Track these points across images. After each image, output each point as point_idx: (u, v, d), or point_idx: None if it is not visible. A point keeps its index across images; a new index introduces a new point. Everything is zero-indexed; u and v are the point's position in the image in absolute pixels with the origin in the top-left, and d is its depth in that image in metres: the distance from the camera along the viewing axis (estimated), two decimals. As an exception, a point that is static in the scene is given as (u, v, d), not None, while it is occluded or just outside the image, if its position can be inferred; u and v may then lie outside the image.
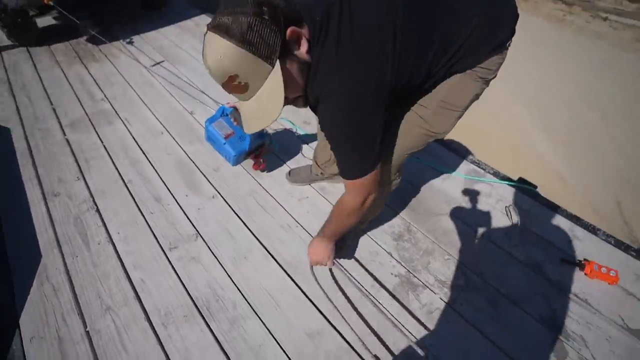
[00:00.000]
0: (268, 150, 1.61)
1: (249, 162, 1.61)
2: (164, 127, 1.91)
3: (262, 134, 1.48)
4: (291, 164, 1.71)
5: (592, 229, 1.45)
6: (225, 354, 1.06)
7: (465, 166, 1.74)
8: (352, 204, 0.89)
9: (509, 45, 0.84)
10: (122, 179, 1.60)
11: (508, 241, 1.41)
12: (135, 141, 1.80)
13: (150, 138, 1.83)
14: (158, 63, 2.46)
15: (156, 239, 1.36)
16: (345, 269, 1.26)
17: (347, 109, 0.73)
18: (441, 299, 1.23)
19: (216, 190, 1.57)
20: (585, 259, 1.33)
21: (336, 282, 1.24)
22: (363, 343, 1.09)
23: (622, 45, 5.99)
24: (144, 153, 1.73)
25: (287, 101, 0.73)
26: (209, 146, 1.73)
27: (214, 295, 1.20)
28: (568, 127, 4.23)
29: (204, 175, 1.63)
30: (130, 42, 2.72)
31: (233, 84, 0.67)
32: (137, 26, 2.97)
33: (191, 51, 2.65)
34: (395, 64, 0.73)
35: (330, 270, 1.25)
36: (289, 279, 1.26)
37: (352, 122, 0.75)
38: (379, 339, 1.11)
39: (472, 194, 1.60)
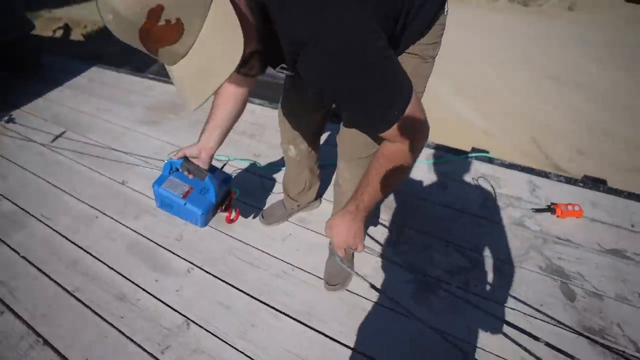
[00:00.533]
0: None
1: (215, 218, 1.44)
2: (95, 209, 1.61)
3: (225, 178, 1.21)
4: (259, 204, 1.58)
5: (545, 174, 1.63)
6: None
7: (423, 152, 1.81)
8: (406, 147, 0.68)
9: (447, 11, 0.80)
10: (64, 290, 1.29)
11: (487, 209, 1.50)
12: (65, 237, 1.48)
13: (83, 227, 1.52)
14: (59, 136, 2.08)
15: (140, 346, 1.12)
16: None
17: (354, 41, 0.54)
18: (457, 286, 1.24)
19: (188, 262, 1.36)
20: (552, 203, 1.48)
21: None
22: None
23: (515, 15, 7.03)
24: (81, 248, 1.43)
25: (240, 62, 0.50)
26: (162, 213, 1.51)
27: (234, 384, 1.04)
28: (479, 88, 4.80)
29: (168, 250, 1.41)
30: (11, 120, 2.25)
31: (157, 26, 0.45)
32: (13, 98, 2.47)
33: (95, 112, 2.31)
34: None
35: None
36: (309, 328, 1.15)
37: (365, 55, 0.56)
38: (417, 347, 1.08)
39: (440, 177, 1.67)
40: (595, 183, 1.59)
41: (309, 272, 1.30)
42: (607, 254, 1.33)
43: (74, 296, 1.27)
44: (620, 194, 1.54)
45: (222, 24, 0.47)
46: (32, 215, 1.59)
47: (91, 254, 1.41)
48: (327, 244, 1.37)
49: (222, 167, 1.19)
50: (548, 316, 1.15)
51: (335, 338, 1.12)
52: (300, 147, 1.24)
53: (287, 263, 1.34)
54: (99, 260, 1.39)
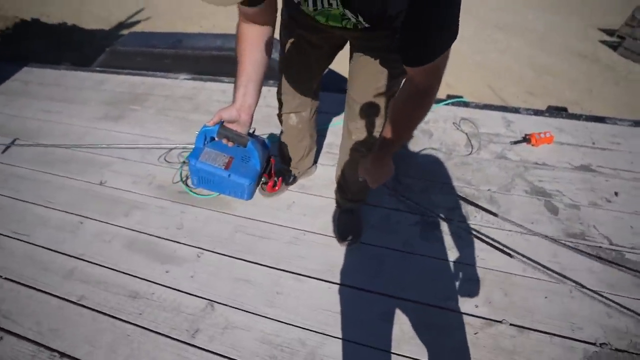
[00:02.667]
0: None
1: (210, 199, 1.40)
2: (77, 215, 1.49)
3: (264, 143, 1.05)
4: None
5: (516, 110, 1.76)
6: (327, 392, 0.97)
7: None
8: (433, 87, 0.71)
9: None
10: (68, 301, 1.21)
11: (471, 148, 1.60)
12: (50, 249, 1.37)
13: (70, 236, 1.41)
14: (10, 145, 1.85)
15: (168, 337, 1.10)
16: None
17: None
18: (459, 221, 1.34)
19: (196, 247, 1.33)
20: (526, 134, 1.61)
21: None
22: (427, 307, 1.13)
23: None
24: (76, 257, 1.34)
25: None
26: (153, 206, 1.44)
27: (274, 347, 1.06)
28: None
29: (171, 240, 1.36)
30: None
31: None
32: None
33: (43, 115, 2.08)
34: None
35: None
36: (333, 284, 1.19)
37: None
38: (447, 285, 1.17)
39: (424, 126, 1.73)
40: (558, 111, 1.75)
41: (320, 234, 1.33)
42: (577, 170, 1.49)
43: (81, 305, 1.20)
44: (580, 117, 1.71)
45: None
46: (2, 235, 1.44)
47: (87, 260, 1.32)
48: (332, 201, 1.40)
49: (253, 131, 1.03)
50: (539, 232, 1.29)
51: (360, 287, 1.18)
52: (302, 115, 1.23)
53: (297, 229, 1.35)
54: (98, 264, 1.31)
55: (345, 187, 1.28)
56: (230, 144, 0.94)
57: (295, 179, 1.47)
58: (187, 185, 1.54)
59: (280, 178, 1.22)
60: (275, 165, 1.07)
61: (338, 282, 1.20)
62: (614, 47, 5.31)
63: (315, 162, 1.56)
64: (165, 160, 1.68)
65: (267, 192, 1.40)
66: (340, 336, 1.07)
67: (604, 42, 5.50)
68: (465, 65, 4.44)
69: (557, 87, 4.32)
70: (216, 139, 0.93)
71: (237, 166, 0.96)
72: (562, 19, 5.94)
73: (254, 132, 1.04)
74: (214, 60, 2.22)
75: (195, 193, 1.50)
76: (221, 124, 0.91)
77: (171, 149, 1.72)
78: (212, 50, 2.25)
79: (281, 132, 1.34)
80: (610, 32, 5.66)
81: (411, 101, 0.74)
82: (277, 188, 1.17)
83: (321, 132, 1.51)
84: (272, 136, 1.67)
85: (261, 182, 1.01)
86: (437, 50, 0.65)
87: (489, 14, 5.88)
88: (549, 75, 4.54)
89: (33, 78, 2.47)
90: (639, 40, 4.89)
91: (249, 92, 0.87)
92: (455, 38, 0.64)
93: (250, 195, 0.98)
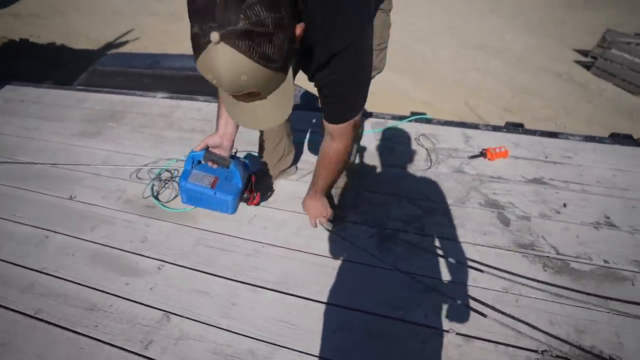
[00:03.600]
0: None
1: (172, 213, 1.44)
2: (43, 229, 1.51)
3: (244, 164, 1.25)
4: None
5: (475, 126, 1.85)
6: (273, 402, 0.98)
7: (369, 122, 1.94)
8: (343, 147, 0.97)
9: None
10: (24, 314, 1.22)
11: (430, 163, 1.67)
12: (12, 263, 1.38)
13: (34, 250, 1.43)
14: None
15: (121, 348, 1.11)
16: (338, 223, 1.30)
17: (362, 51, 0.78)
18: (414, 233, 1.38)
19: (158, 260, 1.35)
20: (483, 149, 1.68)
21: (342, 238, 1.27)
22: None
23: None
24: (37, 271, 1.35)
25: None
26: (120, 220, 1.47)
27: (224, 358, 1.07)
28: (412, 63, 5.09)
29: (134, 253, 1.38)
30: None
31: (245, 94, 0.64)
32: None
33: (22, 132, 2.12)
34: None
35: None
36: (287, 295, 1.22)
37: (365, 61, 0.80)
38: (398, 296, 1.20)
39: (386, 142, 1.81)
40: (515, 127, 1.84)
41: (280, 247, 1.36)
42: (530, 183, 1.56)
43: (37, 318, 1.21)
44: (535, 133, 1.80)
45: (286, 85, 0.67)
46: (-31, 249, 1.46)
47: (48, 274, 1.34)
48: (294, 215, 1.45)
49: (235, 153, 1.23)
50: (490, 243, 1.34)
51: (314, 298, 1.20)
52: None
53: (257, 242, 1.38)
54: (59, 277, 1.32)
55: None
56: (214, 166, 1.13)
57: (271, 195, 1.54)
58: (157, 199, 1.58)
59: (258, 193, 1.35)
60: (256, 182, 1.29)
61: (292, 293, 1.22)
62: (587, 66, 5.56)
63: (295, 163, 1.62)
64: (137, 177, 1.72)
65: (247, 205, 1.47)
66: (291, 347, 1.09)
67: (578, 62, 5.76)
68: (444, 84, 4.61)
69: (533, 104, 4.49)
70: (202, 162, 1.11)
71: (221, 185, 1.15)
72: (538, 41, 6.22)
73: (235, 153, 1.25)
74: (189, 80, 2.31)
75: (166, 207, 1.54)
76: (206, 149, 1.10)
77: (140, 169, 1.76)
78: (188, 71, 2.35)
79: (260, 135, 1.42)
80: (584, 53, 5.94)
81: (329, 150, 0.99)
82: (255, 202, 1.32)
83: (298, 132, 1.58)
84: (249, 154, 1.73)
85: (243, 197, 1.21)
86: (347, 115, 0.88)
87: (469, 36, 6.15)
88: (526, 93, 4.72)
89: (15, 96, 2.53)
90: (609, 61, 5.13)
91: (230, 121, 1.06)
92: (361, 110, 0.89)
93: (234, 210, 1.19)
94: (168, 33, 5.92)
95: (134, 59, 2.68)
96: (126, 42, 5.67)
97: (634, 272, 1.24)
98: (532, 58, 5.69)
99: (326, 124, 0.95)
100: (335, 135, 0.96)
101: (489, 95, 4.53)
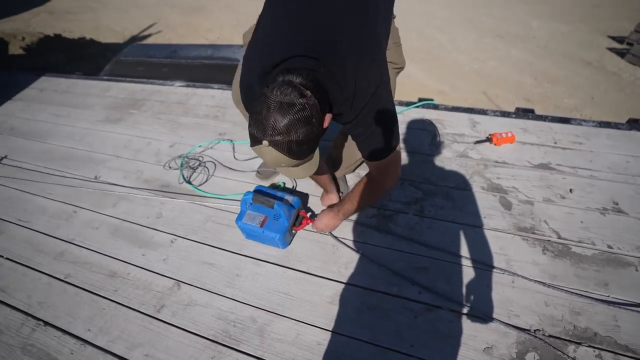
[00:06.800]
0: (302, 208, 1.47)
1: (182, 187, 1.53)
2: (71, 205, 1.66)
3: (294, 201, 1.37)
4: (224, 173, 1.69)
5: (483, 112, 1.83)
6: (270, 362, 1.06)
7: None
8: (388, 182, 1.06)
9: None
10: (56, 278, 1.36)
11: (434, 147, 1.68)
12: (46, 234, 1.54)
13: (64, 223, 1.58)
14: (3, 158, 2.04)
15: (137, 310, 1.22)
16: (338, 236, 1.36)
17: (380, 98, 0.89)
18: (414, 214, 1.42)
19: (171, 234, 1.46)
20: (489, 134, 1.67)
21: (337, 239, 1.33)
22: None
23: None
24: (66, 241, 1.50)
25: None
26: (138, 198, 1.60)
27: (228, 323, 1.16)
28: (430, 52, 4.99)
29: (149, 228, 1.50)
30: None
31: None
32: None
33: (53, 119, 2.30)
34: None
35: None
36: (288, 269, 1.29)
37: (389, 106, 0.92)
38: (394, 272, 1.25)
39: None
40: (525, 113, 1.80)
41: (283, 224, 1.43)
42: (536, 168, 1.54)
43: (66, 282, 1.35)
44: (545, 118, 1.76)
45: (315, 157, 0.87)
46: (8, 221, 1.63)
47: (76, 244, 1.48)
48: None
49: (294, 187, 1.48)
50: (489, 226, 1.35)
51: (313, 272, 1.27)
52: None
53: (263, 220, 1.46)
54: (85, 247, 1.46)
55: (337, 160, 1.51)
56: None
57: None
58: (190, 183, 1.68)
59: (304, 222, 1.40)
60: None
61: (293, 267, 1.29)
62: (621, 54, 5.23)
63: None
64: (169, 167, 1.81)
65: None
66: (288, 315, 1.16)
67: (611, 49, 5.43)
68: (461, 74, 4.49)
69: (556, 94, 4.31)
70: (252, 203, 1.31)
71: (269, 224, 1.30)
72: (568, 28, 5.90)
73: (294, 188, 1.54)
74: (204, 68, 2.41)
75: (199, 189, 1.64)
76: (255, 192, 1.30)
77: (174, 158, 1.86)
78: (203, 59, 2.44)
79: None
80: (619, 40, 5.58)
81: (370, 184, 1.10)
82: (309, 222, 1.39)
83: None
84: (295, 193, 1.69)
85: (292, 230, 1.36)
86: (385, 153, 0.97)
87: (491, 23, 5.93)
88: (549, 82, 4.52)
89: (48, 86, 2.73)
90: (645, 47, 4.80)
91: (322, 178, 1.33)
92: (397, 143, 0.98)
93: (285, 245, 1.34)
94: (188, 26, 6.10)
95: (153, 49, 2.82)
96: (149, 35, 5.89)
97: (639, 257, 1.21)
98: (559, 46, 5.41)
99: (367, 162, 1.04)
100: (379, 170, 1.03)
101: (509, 84, 4.38)
